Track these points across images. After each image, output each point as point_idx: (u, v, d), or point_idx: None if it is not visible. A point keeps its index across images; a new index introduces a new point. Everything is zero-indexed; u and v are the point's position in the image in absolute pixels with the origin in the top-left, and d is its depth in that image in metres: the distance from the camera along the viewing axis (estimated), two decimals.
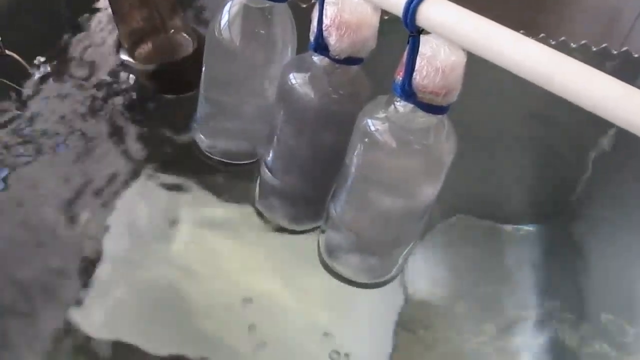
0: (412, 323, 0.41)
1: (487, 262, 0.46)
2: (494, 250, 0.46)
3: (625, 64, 0.58)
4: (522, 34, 0.60)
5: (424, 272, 0.44)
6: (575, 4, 0.68)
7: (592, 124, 0.44)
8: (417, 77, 0.30)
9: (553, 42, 0.57)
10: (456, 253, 0.46)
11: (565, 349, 0.41)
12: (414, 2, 0.26)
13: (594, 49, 0.58)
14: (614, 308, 0.43)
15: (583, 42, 0.58)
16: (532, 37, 0.61)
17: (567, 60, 0.23)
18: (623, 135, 0.24)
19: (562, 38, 0.58)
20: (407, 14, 0.27)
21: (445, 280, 0.44)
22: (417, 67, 0.30)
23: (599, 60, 0.58)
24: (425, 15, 0.26)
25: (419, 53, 0.29)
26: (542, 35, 0.57)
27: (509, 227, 0.48)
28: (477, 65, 0.29)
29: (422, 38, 0.28)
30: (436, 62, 0.29)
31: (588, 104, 0.23)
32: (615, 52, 0.58)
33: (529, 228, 0.48)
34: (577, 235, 0.48)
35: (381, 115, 0.33)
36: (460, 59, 0.29)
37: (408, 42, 0.29)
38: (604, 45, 0.58)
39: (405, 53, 0.29)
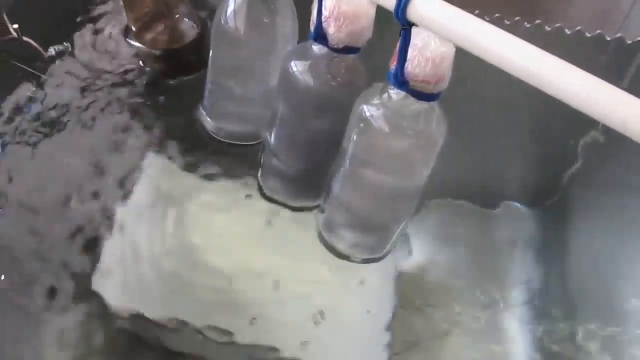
0: (409, 296, 0.42)
1: (480, 241, 0.47)
2: (487, 229, 0.47)
3: (619, 51, 0.58)
4: (518, 19, 0.60)
5: (420, 249, 0.45)
6: None
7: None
8: (409, 67, 0.31)
9: (548, 29, 0.57)
10: (450, 232, 0.47)
11: (552, 322, 0.42)
12: None
13: (588, 35, 0.58)
14: (601, 286, 0.45)
15: (578, 28, 0.58)
16: (529, 24, 0.60)
17: (543, 55, 0.25)
18: None
19: (558, 24, 0.58)
20: (399, 9, 0.28)
21: (439, 257, 0.45)
22: (409, 57, 0.31)
23: (593, 46, 0.58)
24: (415, 10, 0.28)
25: (411, 44, 0.30)
26: (538, 21, 0.58)
27: (502, 208, 0.48)
28: (469, 53, 0.30)
29: (414, 30, 0.30)
30: (427, 53, 0.30)
31: (563, 96, 0.24)
32: (609, 39, 0.58)
33: (521, 209, 0.48)
34: (568, 216, 0.49)
35: (376, 101, 0.34)
36: (449, 50, 0.31)
37: (400, 35, 0.30)
38: (598, 31, 0.58)
39: (398, 44, 0.31)
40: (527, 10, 0.59)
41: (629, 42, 0.58)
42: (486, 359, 0.41)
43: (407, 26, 0.29)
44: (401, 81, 0.32)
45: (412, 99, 0.33)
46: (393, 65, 0.32)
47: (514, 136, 0.53)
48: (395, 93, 0.33)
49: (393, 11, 0.29)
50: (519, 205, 0.49)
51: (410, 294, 0.42)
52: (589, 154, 0.52)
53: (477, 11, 0.56)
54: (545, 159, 0.53)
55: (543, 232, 0.48)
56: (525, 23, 0.58)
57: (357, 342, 0.41)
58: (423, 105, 0.33)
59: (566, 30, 0.58)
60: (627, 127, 0.23)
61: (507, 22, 0.57)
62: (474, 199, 0.49)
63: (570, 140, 0.53)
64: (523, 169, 0.52)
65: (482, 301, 0.43)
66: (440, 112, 0.35)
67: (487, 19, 0.57)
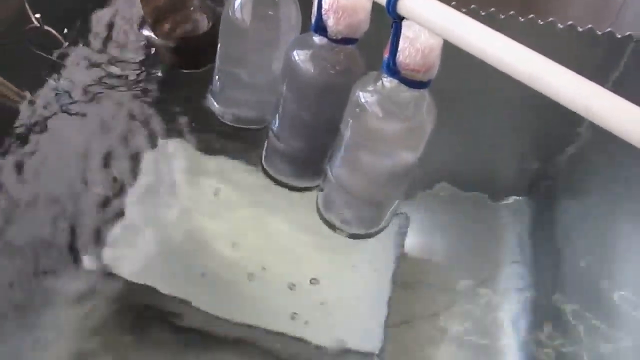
0: (405, 275, 0.44)
1: (474, 226, 0.48)
2: (482, 215, 0.49)
3: (609, 45, 0.59)
4: (513, 14, 0.61)
5: (418, 233, 0.47)
6: None
7: None
8: (401, 57, 0.33)
9: (541, 23, 0.58)
10: (447, 217, 0.48)
11: (542, 302, 0.44)
12: None
13: (580, 29, 0.58)
14: (587, 270, 0.46)
15: (570, 22, 0.59)
16: (522, 18, 0.61)
17: (516, 45, 0.27)
18: None
19: (551, 19, 0.59)
20: (389, 4, 0.30)
21: (436, 240, 0.47)
22: (400, 48, 0.33)
23: (585, 40, 0.59)
24: (404, 5, 0.30)
25: (403, 36, 0.32)
26: (531, 15, 0.59)
27: (496, 195, 0.50)
28: None
29: (407, 23, 0.32)
30: (417, 44, 0.33)
31: (533, 84, 0.27)
32: (600, 33, 0.58)
33: (515, 196, 0.50)
34: (559, 204, 0.50)
35: (371, 88, 0.36)
36: (438, 41, 0.33)
37: (392, 27, 0.32)
38: (589, 26, 0.59)
39: (390, 36, 0.33)
40: (527, 6, 0.60)
41: (619, 36, 0.59)
42: (478, 337, 0.42)
43: (398, 19, 0.31)
44: (393, 70, 0.34)
45: (403, 87, 0.35)
46: (386, 55, 0.34)
47: (509, 126, 0.54)
48: (388, 81, 0.35)
49: (385, 5, 0.31)
50: (513, 192, 0.50)
51: (407, 274, 0.44)
52: (581, 145, 0.53)
53: (473, 5, 0.58)
54: (538, 148, 0.54)
55: (535, 218, 0.49)
56: (520, 17, 0.59)
57: (354, 317, 0.42)
58: (414, 92, 0.35)
59: (559, 25, 0.59)
60: (590, 112, 0.26)
61: (502, 16, 0.59)
62: (471, 187, 0.50)
63: (564, 130, 0.54)
64: (517, 158, 0.53)
65: (475, 282, 0.45)
66: (431, 99, 0.37)
67: (483, 13, 0.60)
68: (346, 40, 0.38)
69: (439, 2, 0.30)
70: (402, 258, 0.44)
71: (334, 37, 0.37)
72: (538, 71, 0.27)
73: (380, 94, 0.36)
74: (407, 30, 0.33)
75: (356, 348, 0.41)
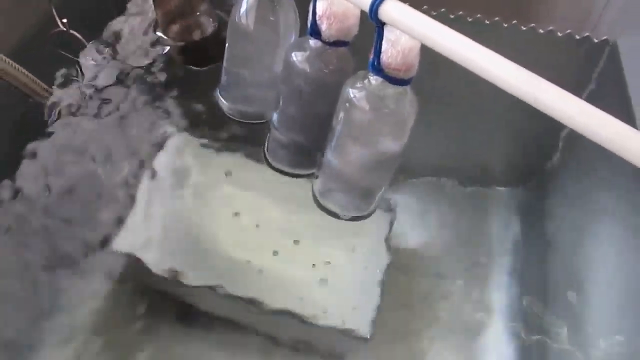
0: (398, 261, 0.46)
1: (466, 219, 0.51)
2: (473, 208, 0.51)
3: (587, 49, 0.62)
4: (497, 20, 0.65)
5: (410, 221, 0.49)
6: None
7: None
8: (384, 57, 0.37)
9: (524, 28, 0.62)
10: (438, 208, 0.51)
11: (527, 286, 0.46)
12: (376, 3, 0.34)
13: (559, 35, 0.62)
14: (575, 264, 0.48)
15: (550, 28, 0.62)
16: (505, 24, 0.65)
17: (477, 46, 0.32)
18: None
19: (532, 24, 0.62)
20: (372, 11, 0.34)
21: (428, 228, 0.49)
22: (383, 50, 0.36)
23: (566, 45, 0.62)
24: (384, 12, 0.34)
25: (385, 39, 0.36)
26: (514, 22, 0.63)
27: (486, 187, 0.52)
28: None
29: (388, 27, 0.35)
30: (398, 46, 0.36)
31: (493, 79, 0.31)
32: (578, 38, 0.62)
33: (503, 189, 0.52)
34: (545, 197, 0.53)
35: (359, 85, 0.40)
36: (416, 43, 0.36)
37: (376, 31, 0.37)
38: (568, 31, 0.63)
39: (374, 39, 0.37)
40: (513, 12, 0.63)
41: (596, 40, 0.62)
42: (467, 323, 0.45)
43: (380, 25, 0.35)
44: (378, 69, 0.38)
45: (387, 84, 0.38)
46: (371, 56, 0.38)
47: (501, 122, 0.57)
48: (374, 79, 0.39)
49: (368, 13, 0.35)
50: (504, 185, 0.53)
51: (400, 261, 0.47)
52: (570, 142, 0.55)
53: (460, 12, 0.62)
54: (529, 144, 0.56)
55: (525, 210, 0.52)
56: (504, 24, 0.63)
57: (349, 300, 0.45)
58: (397, 89, 0.39)
59: (539, 30, 0.62)
60: (538, 102, 0.31)
61: (487, 22, 0.63)
62: (463, 179, 0.52)
63: (554, 127, 0.55)
64: (509, 153, 0.56)
65: (464, 268, 0.47)
66: (412, 95, 0.40)
67: (470, 19, 0.64)
68: (338, 43, 0.41)
69: (414, 10, 0.35)
70: (394, 246, 0.47)
71: (327, 40, 0.40)
72: (497, 68, 0.31)
73: (367, 90, 0.40)
74: (390, 34, 0.36)
75: (349, 328, 0.43)
